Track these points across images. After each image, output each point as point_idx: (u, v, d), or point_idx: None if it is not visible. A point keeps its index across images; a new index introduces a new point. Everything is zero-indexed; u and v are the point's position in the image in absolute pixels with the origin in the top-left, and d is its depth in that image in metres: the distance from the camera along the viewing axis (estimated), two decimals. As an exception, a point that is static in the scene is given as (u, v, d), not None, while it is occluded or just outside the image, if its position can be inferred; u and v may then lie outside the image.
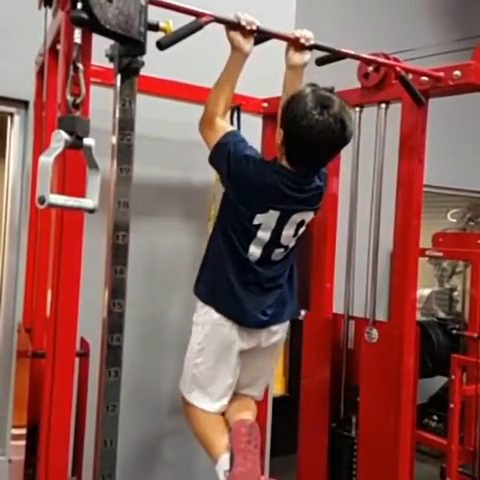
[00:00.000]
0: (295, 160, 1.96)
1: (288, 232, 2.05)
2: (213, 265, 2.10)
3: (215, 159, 2.02)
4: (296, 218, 2.04)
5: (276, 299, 2.11)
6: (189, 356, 2.12)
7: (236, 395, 2.19)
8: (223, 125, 2.03)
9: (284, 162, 1.98)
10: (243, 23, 1.88)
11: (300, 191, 1.99)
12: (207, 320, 2.06)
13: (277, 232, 2.02)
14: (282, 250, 2.08)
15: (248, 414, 2.11)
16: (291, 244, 2.10)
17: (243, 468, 1.85)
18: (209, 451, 2.04)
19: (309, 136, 1.85)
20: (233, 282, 2.03)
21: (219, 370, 2.07)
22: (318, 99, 1.85)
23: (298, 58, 2.03)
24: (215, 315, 2.05)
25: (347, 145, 1.97)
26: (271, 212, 1.98)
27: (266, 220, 1.99)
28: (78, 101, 1.42)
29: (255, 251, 2.03)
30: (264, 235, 2.01)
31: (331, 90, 1.92)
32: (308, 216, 2.09)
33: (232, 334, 2.05)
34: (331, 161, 2.07)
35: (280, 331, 2.18)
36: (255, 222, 1.99)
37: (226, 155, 1.96)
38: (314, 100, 1.85)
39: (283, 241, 2.06)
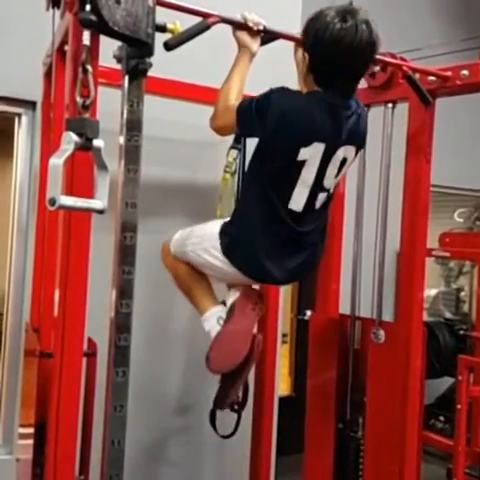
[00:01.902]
0: (327, 81, 1.85)
1: (331, 171, 1.92)
2: (243, 221, 1.97)
3: (244, 113, 1.85)
4: (340, 154, 1.91)
5: (306, 258, 2.02)
6: (195, 244, 2.06)
7: None
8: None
9: (316, 89, 1.87)
10: (250, 24, 1.88)
11: (341, 117, 1.86)
12: (219, 262, 2.00)
13: (322, 170, 1.89)
14: (325, 195, 1.96)
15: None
16: (332, 188, 1.98)
17: (240, 325, 1.98)
18: (196, 305, 2.10)
19: (336, 46, 1.76)
20: (265, 239, 1.92)
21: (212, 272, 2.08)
22: (338, 9, 1.78)
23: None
24: (230, 268, 1.98)
25: (377, 53, 1.87)
26: (315, 145, 1.83)
27: (311, 155, 1.84)
28: (87, 103, 1.42)
29: (299, 197, 1.89)
30: (308, 175, 1.87)
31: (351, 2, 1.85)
32: (351, 153, 1.96)
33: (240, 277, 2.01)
34: (363, 76, 1.94)
35: None
36: (299, 158, 1.83)
37: (256, 103, 1.82)
38: (334, 11, 1.77)
39: (326, 183, 1.93)
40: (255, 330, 2.08)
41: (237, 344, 1.99)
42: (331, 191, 1.99)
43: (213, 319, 2.02)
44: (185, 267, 2.12)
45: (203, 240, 2.03)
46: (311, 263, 2.08)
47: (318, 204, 1.96)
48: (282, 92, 1.84)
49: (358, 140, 1.97)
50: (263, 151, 1.91)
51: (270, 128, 1.82)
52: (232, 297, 2.05)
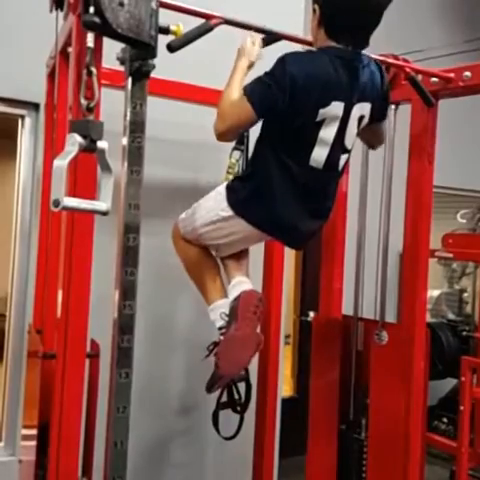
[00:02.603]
0: (339, 32, 1.80)
1: (351, 130, 1.88)
2: (258, 176, 1.92)
3: (259, 93, 1.79)
4: (356, 112, 1.87)
5: (320, 218, 2.03)
6: (203, 213, 2.05)
7: None
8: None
9: (329, 43, 1.82)
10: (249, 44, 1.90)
11: (354, 72, 1.82)
12: (234, 226, 1.98)
13: (342, 129, 1.85)
14: (346, 156, 1.93)
15: (245, 270, 2.15)
16: (351, 146, 1.94)
17: (243, 331, 1.98)
18: (204, 293, 2.11)
19: None
20: (282, 193, 1.87)
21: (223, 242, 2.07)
22: None
23: None
24: (247, 226, 1.95)
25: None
26: (334, 104, 1.80)
27: (329, 115, 1.80)
28: (91, 105, 1.43)
29: (320, 154, 1.85)
30: (328, 134, 1.84)
31: None
32: (367, 110, 1.91)
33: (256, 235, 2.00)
34: (377, 26, 1.85)
35: None
36: (318, 119, 1.80)
37: (265, 77, 1.78)
38: None
39: (347, 142, 1.90)
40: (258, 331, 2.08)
41: (242, 349, 2.01)
42: (350, 150, 1.95)
43: (217, 313, 2.05)
44: (196, 251, 2.12)
45: (208, 210, 2.02)
46: (321, 224, 2.08)
47: (341, 164, 1.94)
48: (293, 57, 1.79)
49: (372, 95, 1.91)
50: (280, 114, 1.83)
51: (293, 93, 1.76)
52: (233, 292, 2.05)
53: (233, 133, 1.92)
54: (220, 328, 2.02)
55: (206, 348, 2.05)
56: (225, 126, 1.83)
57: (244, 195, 1.94)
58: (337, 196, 2.10)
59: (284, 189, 1.87)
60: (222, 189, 2.00)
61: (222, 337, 2.00)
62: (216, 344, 2.02)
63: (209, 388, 2.07)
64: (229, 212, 1.95)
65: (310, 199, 1.93)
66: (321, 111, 1.80)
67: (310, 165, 1.86)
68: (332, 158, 1.88)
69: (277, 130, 1.86)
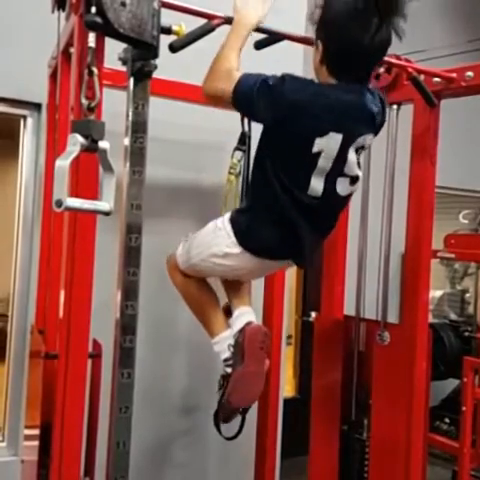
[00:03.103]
0: (342, 71, 1.75)
1: (351, 159, 1.82)
2: (256, 213, 1.89)
3: (244, 91, 1.72)
4: (357, 144, 1.82)
5: (322, 238, 2.02)
6: (202, 248, 1.99)
7: None
8: (239, 73, 1.75)
9: (330, 80, 1.77)
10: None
11: (357, 107, 1.78)
12: (240, 262, 1.93)
13: (340, 159, 1.79)
14: (347, 180, 1.86)
15: (247, 300, 2.15)
16: (357, 172, 1.87)
17: (251, 368, 1.99)
18: (206, 326, 2.10)
19: (352, 34, 1.69)
20: (282, 220, 1.84)
21: (225, 274, 2.06)
22: None
23: None
24: (252, 259, 1.91)
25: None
26: (332, 135, 1.74)
27: (327, 146, 1.75)
28: (93, 105, 1.43)
29: (317, 184, 1.80)
30: (325, 164, 1.78)
31: None
32: (368, 140, 1.87)
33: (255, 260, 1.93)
34: (381, 61, 1.87)
35: None
36: (315, 149, 1.75)
37: (262, 82, 1.70)
38: None
39: (347, 170, 1.83)
40: (267, 363, 2.07)
41: (253, 385, 2.02)
42: (359, 177, 1.89)
43: (223, 344, 2.04)
44: (196, 285, 2.08)
45: (209, 245, 1.95)
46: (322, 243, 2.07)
47: (342, 190, 1.86)
48: (294, 82, 1.73)
49: (374, 126, 1.88)
50: (274, 149, 1.82)
51: (280, 118, 1.72)
52: (237, 324, 2.04)
53: (218, 101, 1.85)
54: (226, 360, 2.02)
55: (217, 382, 2.06)
56: (212, 90, 1.78)
57: (246, 225, 1.89)
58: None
59: (284, 215, 1.83)
60: (222, 224, 1.93)
61: (228, 369, 2.00)
62: (224, 377, 2.03)
63: (226, 420, 2.09)
64: (235, 249, 1.89)
65: (311, 220, 1.87)
66: (318, 141, 1.74)
67: (308, 194, 1.81)
68: (330, 187, 1.83)
69: (274, 157, 1.82)
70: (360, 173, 1.89)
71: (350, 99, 1.77)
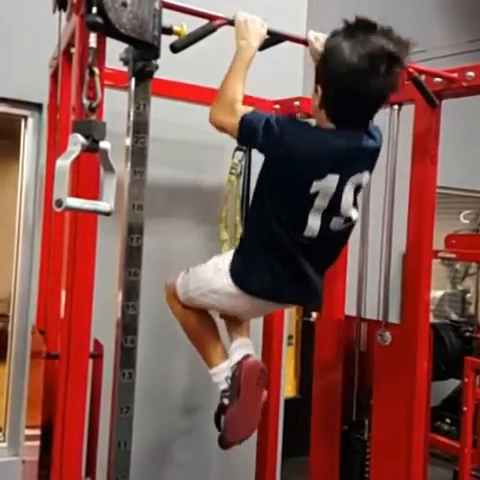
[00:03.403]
0: (339, 116, 1.78)
1: (347, 197, 1.84)
2: (255, 246, 1.90)
3: (247, 133, 1.78)
4: (354, 180, 1.84)
5: (320, 279, 1.98)
6: (201, 284, 2.00)
7: None
8: (246, 108, 1.82)
9: (326, 124, 1.80)
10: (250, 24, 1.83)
11: (355, 151, 1.81)
12: (236, 298, 1.94)
13: (337, 198, 1.82)
14: (341, 220, 1.88)
15: (246, 332, 2.15)
16: (351, 214, 1.89)
17: (247, 403, 2.00)
18: (205, 357, 2.09)
19: (353, 84, 1.69)
20: (279, 261, 1.85)
21: (223, 310, 2.08)
22: (355, 41, 1.70)
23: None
24: (252, 300, 1.93)
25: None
26: (329, 177, 1.78)
27: (324, 187, 1.79)
28: (94, 105, 1.43)
29: (314, 222, 1.82)
30: (321, 204, 1.81)
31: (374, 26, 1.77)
32: (365, 178, 1.89)
33: (254, 301, 1.94)
34: (380, 107, 1.86)
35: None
36: (312, 190, 1.78)
37: (264, 126, 1.75)
38: (350, 44, 1.69)
39: (343, 210, 1.86)
40: (264, 394, 2.07)
41: (249, 421, 2.04)
42: (352, 219, 1.91)
43: (221, 376, 2.05)
44: (195, 316, 2.09)
45: (209, 282, 1.97)
46: (317, 295, 2.04)
47: (334, 226, 1.88)
48: (294, 126, 1.79)
49: (372, 165, 1.91)
50: (272, 183, 1.85)
51: (279, 160, 1.78)
52: (235, 356, 2.04)
53: (223, 131, 1.88)
54: (224, 391, 2.03)
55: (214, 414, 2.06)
56: (218, 121, 1.84)
57: (242, 266, 1.91)
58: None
59: (282, 252, 1.85)
60: (222, 264, 1.95)
61: (225, 400, 2.01)
62: (221, 407, 2.03)
63: (225, 448, 2.08)
64: (232, 289, 1.91)
65: (310, 259, 1.88)
66: (315, 183, 1.77)
67: (304, 235, 1.83)
68: (326, 227, 1.85)
69: (272, 194, 1.84)
70: (355, 215, 1.91)
71: (348, 145, 1.79)
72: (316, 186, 1.78)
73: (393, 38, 1.72)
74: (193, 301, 2.04)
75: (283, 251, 1.84)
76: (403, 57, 1.72)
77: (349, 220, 1.90)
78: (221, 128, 1.85)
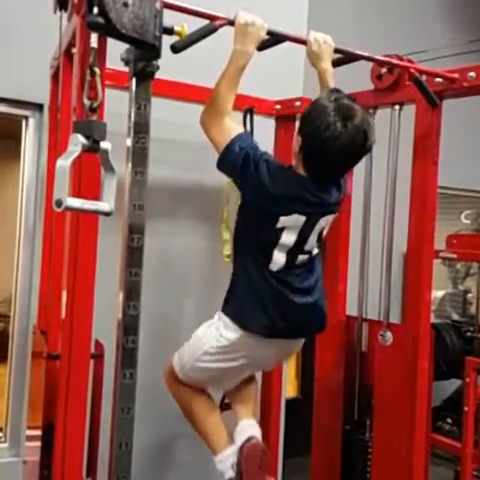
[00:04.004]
0: (313, 169, 1.89)
1: (313, 238, 1.97)
2: (238, 283, 1.99)
3: (228, 163, 1.91)
4: (321, 223, 1.97)
5: (304, 309, 2.01)
6: (194, 348, 2.05)
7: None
8: (233, 126, 1.93)
9: (300, 170, 1.90)
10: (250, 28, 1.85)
11: (320, 197, 1.92)
12: (230, 335, 1.97)
13: (302, 237, 1.94)
14: (306, 257, 1.99)
15: (250, 410, 2.15)
16: (314, 250, 2.01)
17: None
18: (208, 444, 2.07)
19: (330, 148, 1.80)
20: (257, 295, 1.94)
21: (223, 375, 2.06)
22: (341, 109, 1.80)
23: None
24: (240, 332, 1.96)
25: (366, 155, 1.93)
26: (295, 216, 1.90)
27: (291, 223, 1.90)
28: (95, 105, 1.43)
29: (279, 257, 1.92)
30: (288, 239, 1.92)
31: (353, 99, 1.87)
32: (329, 219, 2.02)
33: (252, 344, 1.97)
34: (349, 172, 2.05)
35: (302, 340, 2.16)
36: (279, 225, 1.90)
37: (242, 160, 1.86)
38: (337, 110, 1.79)
39: (307, 247, 1.97)
40: None
41: None
42: (313, 253, 2.02)
43: (227, 463, 2.02)
44: (194, 395, 2.08)
45: (200, 345, 2.01)
46: (316, 321, 2.09)
47: (299, 262, 1.98)
48: (268, 165, 1.87)
49: (338, 208, 2.04)
50: (246, 214, 1.97)
51: (252, 194, 1.90)
52: (239, 439, 2.03)
53: (204, 132, 1.96)
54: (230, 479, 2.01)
55: None
56: (207, 129, 1.93)
57: (236, 306, 1.97)
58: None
59: (256, 295, 1.93)
60: (212, 320, 2.01)
61: None
62: None
63: None
64: (224, 340, 1.96)
65: (279, 298, 1.95)
66: (282, 218, 1.89)
67: (269, 269, 1.92)
68: (290, 261, 1.95)
69: (247, 231, 1.97)
70: (316, 251, 2.02)
71: (315, 197, 1.90)
72: (283, 221, 1.89)
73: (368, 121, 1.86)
74: (190, 375, 2.05)
75: (257, 284, 1.93)
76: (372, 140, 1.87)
77: (311, 254, 2.01)
78: (207, 136, 1.94)
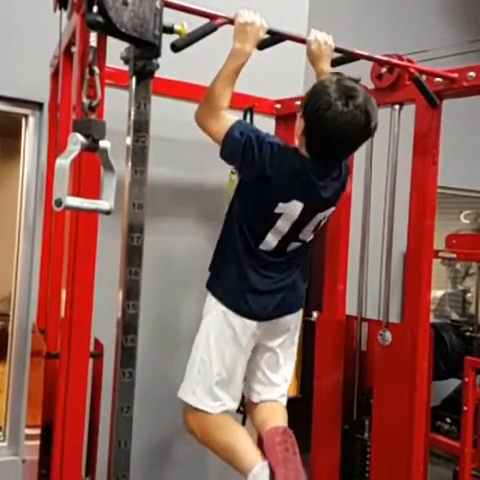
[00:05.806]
0: (316, 151, 1.88)
1: (309, 228, 2.00)
2: (224, 257, 2.03)
3: (230, 149, 1.90)
4: (319, 216, 1.99)
5: (289, 289, 2.06)
6: (194, 354, 2.09)
7: (258, 405, 2.15)
8: (230, 116, 1.92)
9: (303, 151, 1.91)
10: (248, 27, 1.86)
11: (322, 181, 1.93)
12: (216, 310, 2.01)
13: (299, 226, 1.96)
14: (299, 244, 2.03)
15: (278, 420, 2.04)
16: (308, 239, 2.06)
17: (284, 476, 1.75)
18: (238, 464, 1.87)
19: (332, 128, 1.78)
20: (244, 273, 1.97)
21: (225, 360, 2.02)
22: (342, 89, 1.78)
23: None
24: (223, 307, 2.00)
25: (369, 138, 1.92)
26: (294, 202, 1.91)
27: (288, 210, 1.92)
28: (94, 104, 1.43)
29: (271, 240, 1.96)
30: (283, 226, 1.94)
31: (356, 81, 1.85)
32: (328, 213, 2.05)
33: (240, 324, 1.99)
34: (353, 153, 2.03)
35: (292, 321, 2.15)
36: (276, 210, 1.91)
37: (244, 143, 1.86)
38: (338, 90, 1.77)
39: (302, 236, 2.01)
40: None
41: None
42: (307, 241, 2.06)
43: (264, 474, 1.79)
44: (213, 422, 1.97)
45: (200, 336, 2.07)
46: (288, 305, 2.10)
47: (291, 249, 2.02)
48: (272, 147, 1.87)
49: (336, 201, 2.05)
50: (244, 195, 1.98)
51: (254, 177, 1.89)
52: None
53: (201, 129, 1.97)
54: None
55: None
56: (203, 123, 1.94)
57: (213, 277, 2.05)
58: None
59: (239, 267, 1.98)
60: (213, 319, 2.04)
61: None
62: None
63: None
64: (209, 295, 2.02)
65: (263, 278, 2.00)
66: (280, 204, 1.91)
67: (260, 248, 1.97)
68: (282, 246, 1.99)
69: (242, 206, 1.98)
70: (310, 238, 2.06)
71: (313, 179, 1.90)
72: (281, 207, 1.91)
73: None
74: (211, 372, 2.03)
75: (239, 261, 1.97)
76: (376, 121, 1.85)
77: (304, 242, 2.05)
78: (204, 130, 1.94)
